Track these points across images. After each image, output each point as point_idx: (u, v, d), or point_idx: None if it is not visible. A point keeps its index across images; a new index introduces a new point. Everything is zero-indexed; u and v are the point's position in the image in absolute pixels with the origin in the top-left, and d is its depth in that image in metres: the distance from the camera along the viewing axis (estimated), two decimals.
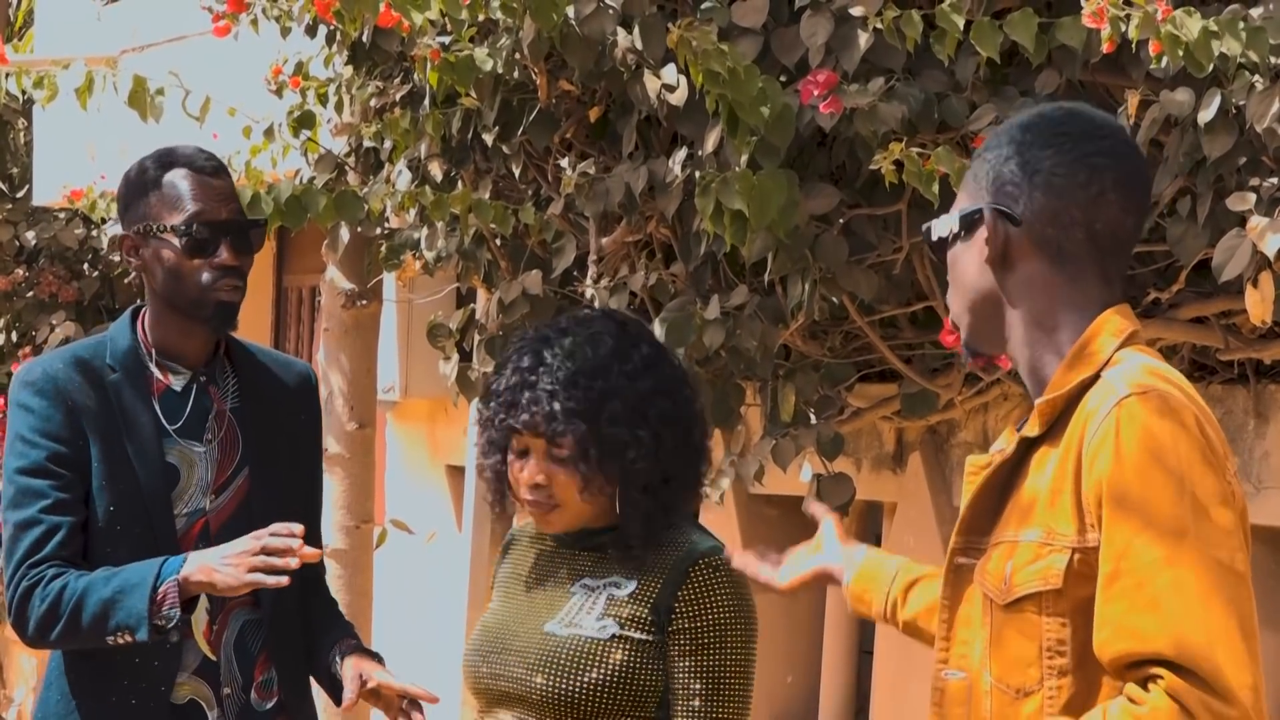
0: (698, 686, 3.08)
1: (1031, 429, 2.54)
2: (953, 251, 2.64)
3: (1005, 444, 2.61)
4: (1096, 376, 2.50)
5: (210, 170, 3.77)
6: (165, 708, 3.68)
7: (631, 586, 3.12)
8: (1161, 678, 2.33)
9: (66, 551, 3.64)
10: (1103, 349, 2.52)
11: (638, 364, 3.19)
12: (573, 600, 3.16)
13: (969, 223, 2.61)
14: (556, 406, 3.14)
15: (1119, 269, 2.60)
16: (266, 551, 3.49)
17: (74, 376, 3.71)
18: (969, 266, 2.61)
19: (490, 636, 3.24)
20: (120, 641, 3.57)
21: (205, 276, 3.71)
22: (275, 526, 3.53)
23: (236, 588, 3.52)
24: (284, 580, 3.49)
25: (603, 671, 3.08)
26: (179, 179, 3.75)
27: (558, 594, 3.19)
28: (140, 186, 3.78)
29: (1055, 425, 2.52)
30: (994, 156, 2.60)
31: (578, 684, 3.07)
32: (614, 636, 3.10)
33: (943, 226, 2.65)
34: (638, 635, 3.10)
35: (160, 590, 3.54)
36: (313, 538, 3.97)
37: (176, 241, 3.71)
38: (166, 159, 3.78)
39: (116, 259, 10.47)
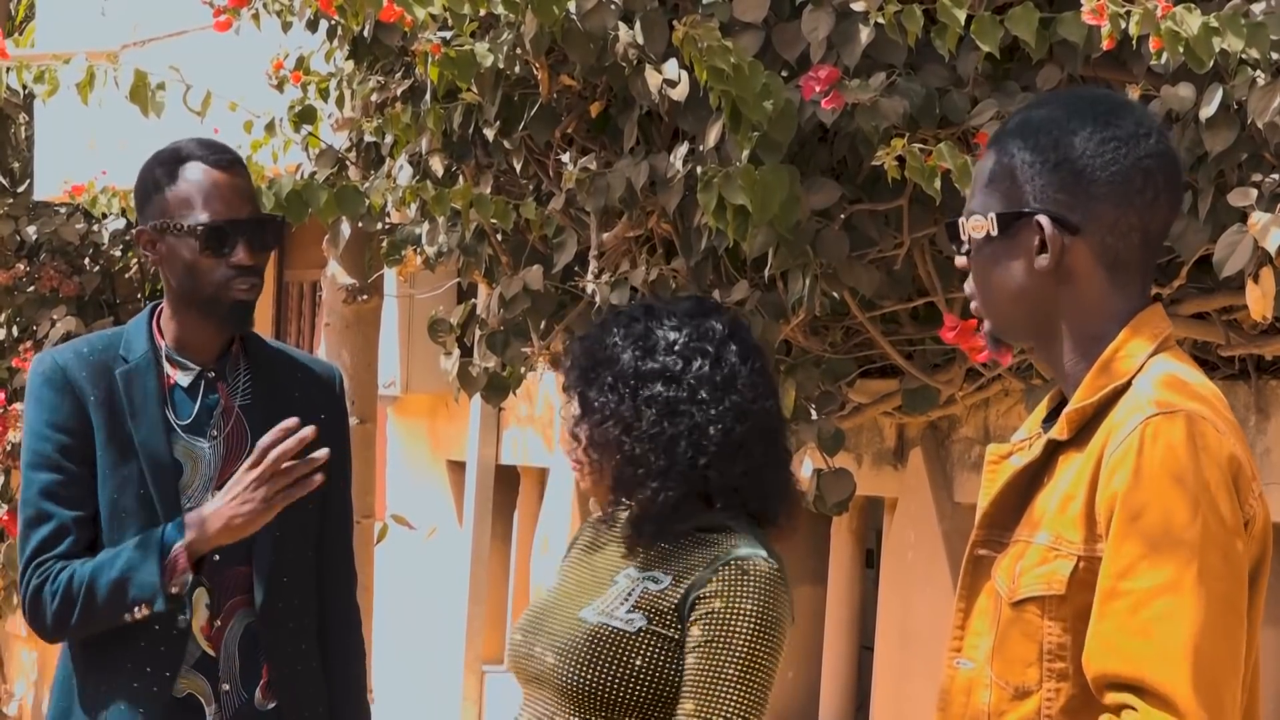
0: (696, 681, 3.03)
1: (1059, 433, 2.51)
2: (987, 251, 2.54)
3: (1028, 433, 2.60)
4: (1128, 384, 2.47)
5: (227, 165, 3.72)
6: (168, 698, 3.68)
7: (666, 582, 3.10)
8: (1136, 709, 2.32)
9: (75, 547, 3.66)
10: (1132, 356, 2.49)
11: (658, 345, 3.17)
12: (613, 589, 3.14)
13: (1009, 225, 2.52)
14: (577, 363, 3.22)
15: (1154, 266, 2.57)
16: (278, 464, 3.51)
17: (84, 365, 3.72)
18: (1012, 270, 2.53)
19: (532, 616, 3.23)
20: (139, 615, 3.59)
21: (221, 275, 3.69)
22: (266, 436, 3.54)
23: (262, 520, 3.55)
24: (316, 481, 3.52)
25: (625, 664, 3.05)
26: (195, 174, 3.71)
27: (603, 581, 3.17)
28: (156, 181, 3.74)
29: (1083, 431, 2.49)
30: (1033, 157, 2.51)
31: (599, 674, 3.05)
32: (641, 630, 3.07)
33: (975, 227, 2.55)
34: (664, 631, 3.07)
35: (170, 558, 3.57)
36: (342, 543, 3.98)
37: (193, 240, 3.68)
38: (184, 152, 3.74)
39: (117, 254, 10.47)
